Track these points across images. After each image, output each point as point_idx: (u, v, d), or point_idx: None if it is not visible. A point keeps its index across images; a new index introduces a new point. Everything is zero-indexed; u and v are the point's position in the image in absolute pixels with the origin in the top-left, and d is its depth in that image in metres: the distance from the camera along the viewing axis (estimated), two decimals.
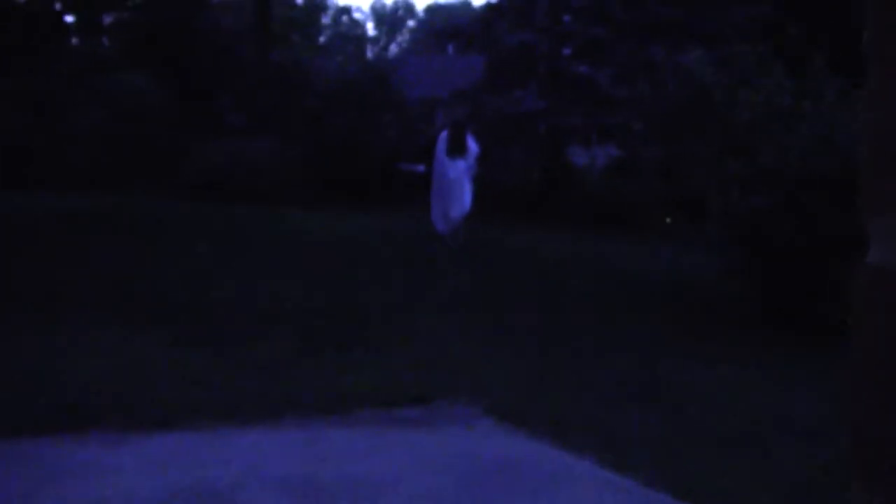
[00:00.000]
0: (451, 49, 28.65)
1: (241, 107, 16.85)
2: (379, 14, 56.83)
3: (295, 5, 34.43)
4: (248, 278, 7.94)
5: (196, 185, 14.10)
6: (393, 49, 49.38)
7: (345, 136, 16.06)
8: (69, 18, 18.32)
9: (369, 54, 44.61)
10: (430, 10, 54.42)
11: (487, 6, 17.94)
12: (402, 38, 53.36)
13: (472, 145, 11.00)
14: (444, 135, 11.14)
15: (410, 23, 55.58)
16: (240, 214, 12.26)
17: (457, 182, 10.84)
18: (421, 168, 16.08)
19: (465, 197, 10.86)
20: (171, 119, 15.39)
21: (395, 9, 56.77)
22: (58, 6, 17.71)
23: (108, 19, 19.25)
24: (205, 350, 5.41)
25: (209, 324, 6.10)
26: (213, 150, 14.63)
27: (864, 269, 1.16)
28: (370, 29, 54.48)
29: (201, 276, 7.86)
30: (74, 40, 19.10)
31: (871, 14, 1.16)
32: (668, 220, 13.49)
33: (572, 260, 10.44)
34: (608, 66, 15.47)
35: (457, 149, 10.88)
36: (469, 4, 47.12)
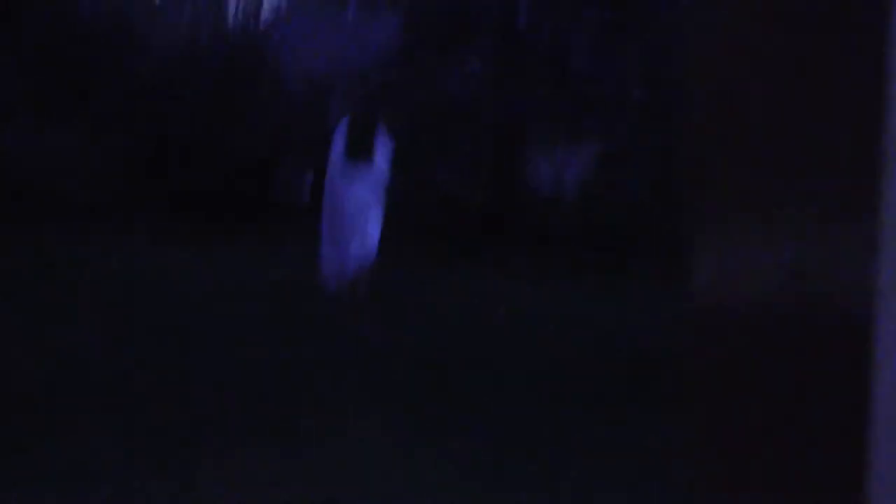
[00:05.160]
0: (352, 5, 28.85)
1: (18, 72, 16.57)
2: None
3: None
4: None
5: None
6: (266, 5, 49.78)
7: (192, 136, 16.21)
8: None
9: (231, 13, 44.80)
10: None
11: None
12: None
13: (385, 146, 10.79)
14: (339, 130, 11.02)
15: None
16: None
17: (360, 204, 10.58)
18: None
19: (370, 227, 10.77)
20: None
21: None
22: None
23: None
24: None
25: None
26: None
27: None
28: None
29: None
30: None
31: None
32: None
33: (542, 322, 10.39)
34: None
35: (360, 151, 10.75)
36: None
